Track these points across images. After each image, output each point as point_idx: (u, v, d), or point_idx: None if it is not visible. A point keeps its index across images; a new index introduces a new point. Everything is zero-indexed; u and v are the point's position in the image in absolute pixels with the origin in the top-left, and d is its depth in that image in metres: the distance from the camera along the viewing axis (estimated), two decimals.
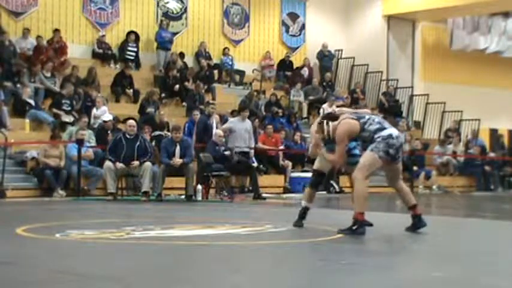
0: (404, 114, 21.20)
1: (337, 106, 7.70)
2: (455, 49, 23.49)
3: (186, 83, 17.97)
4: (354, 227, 6.95)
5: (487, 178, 19.38)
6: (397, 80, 21.73)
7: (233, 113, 16.94)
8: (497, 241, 6.76)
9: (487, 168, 19.46)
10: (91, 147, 13.60)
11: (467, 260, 5.83)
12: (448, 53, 23.57)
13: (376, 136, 6.99)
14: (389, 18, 22.11)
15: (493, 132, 23.38)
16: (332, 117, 7.26)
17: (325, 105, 19.51)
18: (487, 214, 7.55)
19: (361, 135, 7.10)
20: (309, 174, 15.73)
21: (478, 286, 4.60)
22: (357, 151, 7.70)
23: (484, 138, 21.97)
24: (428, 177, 18.12)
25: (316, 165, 7.74)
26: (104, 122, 14.23)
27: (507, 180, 20.57)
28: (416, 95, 21.96)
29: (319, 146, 7.57)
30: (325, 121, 7.26)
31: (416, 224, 7.18)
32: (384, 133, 7.00)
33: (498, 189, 19.60)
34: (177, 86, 17.70)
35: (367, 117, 7.16)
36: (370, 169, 7.00)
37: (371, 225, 7.28)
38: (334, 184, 16.14)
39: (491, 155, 20.28)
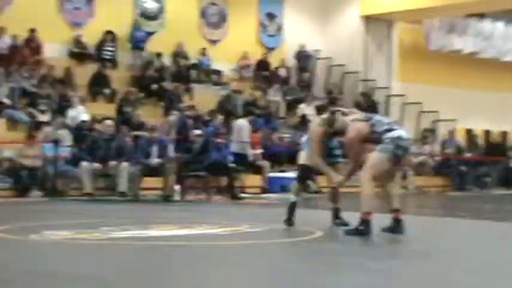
0: (381, 115, 21.29)
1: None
2: (431, 50, 23.64)
3: (164, 83, 17.92)
4: (361, 227, 6.88)
5: (462, 178, 19.53)
6: (374, 81, 21.83)
7: (211, 113, 16.93)
8: (473, 240, 6.81)
9: (462, 168, 19.61)
10: (67, 147, 13.50)
11: (444, 259, 5.86)
12: (425, 54, 23.71)
13: (384, 137, 6.91)
14: (367, 19, 22.19)
15: (469, 133, 23.57)
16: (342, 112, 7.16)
17: (302, 105, 19.59)
18: (463, 213, 7.62)
19: (370, 136, 7.00)
20: (287, 174, 15.92)
21: (456, 285, 4.63)
22: (337, 151, 7.66)
23: (460, 139, 22.14)
24: (404, 177, 18.22)
25: (302, 159, 7.67)
26: (83, 122, 14.14)
27: (482, 180, 20.76)
28: (393, 96, 22.07)
29: (319, 151, 7.37)
30: (339, 112, 7.13)
31: (395, 229, 7.09)
32: (393, 134, 6.92)
33: (473, 189, 19.77)
34: (155, 86, 17.65)
35: (376, 118, 7.12)
36: (377, 169, 6.90)
37: (346, 225, 7.29)
38: (311, 184, 16.16)
39: (467, 155, 20.44)
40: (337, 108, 7.38)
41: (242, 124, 14.80)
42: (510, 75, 25.77)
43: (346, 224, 7.31)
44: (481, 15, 24.27)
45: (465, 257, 6.04)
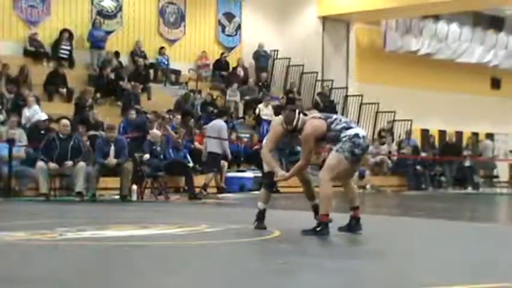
0: (339, 114, 21.46)
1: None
2: (388, 51, 23.91)
3: (121, 82, 17.79)
4: (318, 228, 6.87)
5: (418, 177, 19.79)
6: (332, 81, 21.99)
7: (169, 113, 16.86)
8: (428, 239, 6.91)
9: (418, 168, 19.88)
10: (22, 146, 13.31)
11: (400, 258, 5.94)
12: (382, 55, 23.97)
13: (342, 135, 6.88)
14: (324, 19, 22.35)
15: (425, 133, 23.90)
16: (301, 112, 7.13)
17: (261, 105, 19.63)
18: (418, 213, 7.73)
19: (327, 135, 6.98)
20: (245, 174, 15.95)
21: (412, 283, 4.69)
22: (299, 148, 7.49)
23: (416, 139, 22.42)
24: (362, 176, 18.39)
25: (266, 167, 7.46)
26: (42, 121, 13.94)
27: (437, 180, 21.07)
28: (350, 96, 22.25)
29: (271, 147, 7.29)
30: (297, 111, 7.09)
31: (353, 227, 7.12)
32: (350, 132, 6.89)
33: (429, 188, 20.06)
34: (115, 84, 17.52)
35: (334, 117, 7.09)
36: (336, 170, 6.87)
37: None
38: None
39: (423, 154, 20.72)
40: (296, 107, 7.39)
41: (221, 124, 14.72)
42: (465, 76, 26.22)
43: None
44: (436, 17, 24.63)
45: (420, 256, 6.13)
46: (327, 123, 6.97)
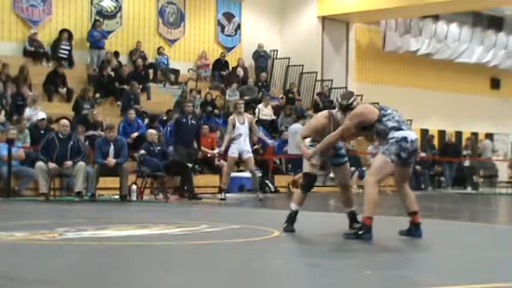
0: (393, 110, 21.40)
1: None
2: (387, 51, 23.92)
3: (121, 82, 17.76)
4: (361, 232, 6.64)
5: (418, 177, 19.80)
6: (332, 81, 21.99)
7: (168, 113, 16.87)
8: (427, 239, 6.91)
9: (417, 168, 19.88)
10: (22, 147, 13.31)
11: (399, 258, 5.95)
12: (381, 55, 23.99)
13: (389, 136, 6.66)
14: (324, 19, 22.35)
15: (424, 133, 23.91)
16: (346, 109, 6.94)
17: (260, 105, 19.65)
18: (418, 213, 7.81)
19: (376, 126, 6.76)
20: (245, 175, 15.94)
21: (410, 284, 4.69)
22: (343, 151, 7.40)
23: None
24: (362, 176, 18.37)
25: (306, 168, 7.26)
26: (40, 120, 13.95)
27: (437, 180, 21.10)
28: None
29: (308, 135, 7.13)
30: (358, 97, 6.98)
31: (412, 232, 6.91)
32: (398, 135, 6.65)
33: (428, 188, 20.07)
34: (114, 84, 17.53)
35: (389, 111, 6.85)
36: (382, 173, 6.70)
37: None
38: (269, 184, 16.24)
39: (422, 155, 20.73)
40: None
41: (298, 127, 14.67)
42: (464, 76, 26.24)
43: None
44: (435, 17, 24.65)
45: (418, 256, 6.14)
46: (380, 114, 6.76)
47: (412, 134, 6.78)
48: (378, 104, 7.49)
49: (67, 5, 18.49)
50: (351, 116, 6.81)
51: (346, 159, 7.39)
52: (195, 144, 14.36)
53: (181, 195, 13.57)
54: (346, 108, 6.93)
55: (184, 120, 14.31)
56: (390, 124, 6.72)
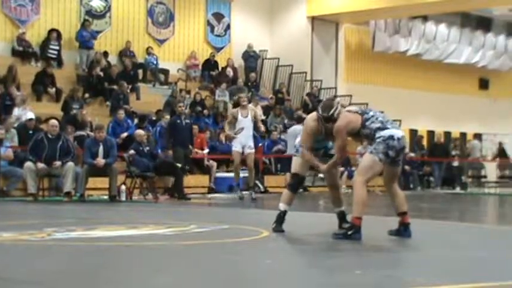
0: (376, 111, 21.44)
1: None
2: (377, 51, 23.98)
3: (110, 82, 17.72)
4: (350, 232, 6.65)
5: (407, 177, 19.85)
6: (321, 81, 22.02)
7: (158, 113, 16.84)
8: (416, 239, 6.93)
9: (407, 168, 19.93)
10: (10, 147, 13.25)
11: (388, 258, 5.96)
12: (370, 55, 24.05)
13: (376, 136, 6.65)
14: (314, 20, 22.39)
15: (413, 133, 23.99)
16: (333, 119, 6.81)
17: (250, 105, 19.60)
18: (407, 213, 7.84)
19: (361, 132, 6.76)
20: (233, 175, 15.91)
21: (400, 284, 4.71)
22: (333, 151, 7.26)
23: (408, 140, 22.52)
24: (351, 176, 18.40)
25: (295, 168, 7.23)
26: (28, 120, 13.89)
27: (426, 180, 21.16)
28: (339, 96, 22.29)
29: (308, 144, 7.06)
30: (337, 100, 6.85)
31: (401, 232, 6.92)
32: (385, 133, 6.63)
33: (417, 188, 20.13)
34: (103, 84, 17.48)
35: (371, 113, 6.80)
36: (370, 172, 6.69)
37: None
38: (259, 184, 16.23)
39: (411, 155, 20.79)
40: (333, 97, 7.19)
41: (299, 129, 14.51)
42: (453, 76, 26.35)
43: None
44: (425, 18, 24.73)
45: (407, 256, 6.16)
46: (363, 119, 6.73)
47: (399, 132, 6.76)
48: (367, 104, 7.50)
49: (56, 5, 18.43)
50: (336, 130, 6.75)
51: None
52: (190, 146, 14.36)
53: (171, 196, 13.55)
54: (328, 120, 6.85)
55: (178, 121, 14.29)
56: (375, 126, 6.70)
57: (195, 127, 15.98)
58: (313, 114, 7.15)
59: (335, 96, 19.79)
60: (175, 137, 14.08)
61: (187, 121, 14.50)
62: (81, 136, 14.44)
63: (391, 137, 6.64)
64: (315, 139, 7.10)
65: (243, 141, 12.79)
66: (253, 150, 13.04)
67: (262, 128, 14.10)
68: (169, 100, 18.00)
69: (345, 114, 6.78)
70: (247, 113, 12.85)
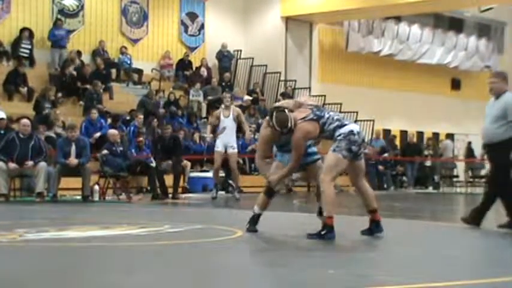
0: (330, 111, 21.51)
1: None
2: (350, 51, 24.09)
3: (83, 82, 17.60)
4: (323, 232, 6.65)
5: (380, 177, 19.98)
6: (295, 81, 22.07)
7: (131, 113, 16.77)
8: (388, 238, 6.98)
9: (380, 167, 20.07)
10: None
11: (361, 257, 5.99)
12: (344, 55, 24.15)
13: (336, 134, 6.69)
14: (288, 20, 22.43)
15: (386, 133, 24.14)
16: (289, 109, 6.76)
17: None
18: (380, 212, 7.81)
19: (322, 136, 6.81)
20: (208, 175, 15.90)
21: (372, 282, 4.73)
22: (314, 149, 7.24)
23: (383, 139, 22.60)
24: None
25: (271, 173, 7.10)
26: (0, 120, 13.74)
27: (399, 179, 21.32)
28: (313, 96, 22.36)
29: (266, 154, 7.05)
30: (287, 110, 6.71)
31: (373, 230, 6.99)
32: (344, 130, 6.69)
33: (391, 187, 20.27)
34: (76, 84, 17.36)
35: (326, 116, 6.79)
36: (335, 170, 6.71)
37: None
38: (233, 184, 16.21)
39: (385, 155, 20.94)
40: (280, 105, 7.02)
41: None
42: (426, 76, 26.56)
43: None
44: (397, 18, 24.90)
45: (380, 255, 6.19)
46: (320, 125, 6.74)
47: (356, 126, 6.90)
48: (341, 104, 7.53)
49: (27, 3, 18.26)
50: (295, 143, 6.70)
51: (318, 156, 7.28)
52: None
53: (157, 196, 13.35)
54: (289, 131, 6.76)
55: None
56: (332, 126, 6.76)
57: (169, 127, 15.88)
58: (264, 121, 7.13)
59: (278, 99, 19.84)
60: (161, 151, 13.89)
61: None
62: (48, 137, 14.23)
63: (351, 132, 6.72)
64: (271, 146, 7.11)
65: (225, 141, 12.78)
66: (236, 150, 13.03)
67: (248, 131, 14.02)
68: (144, 100, 17.93)
69: (301, 125, 6.72)
70: (230, 113, 12.85)
